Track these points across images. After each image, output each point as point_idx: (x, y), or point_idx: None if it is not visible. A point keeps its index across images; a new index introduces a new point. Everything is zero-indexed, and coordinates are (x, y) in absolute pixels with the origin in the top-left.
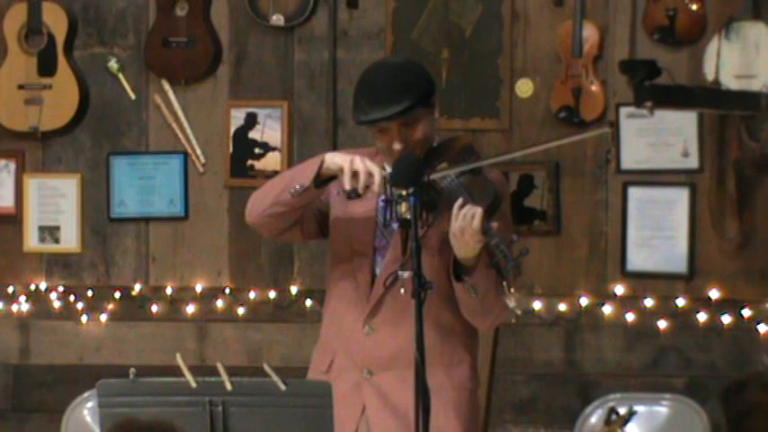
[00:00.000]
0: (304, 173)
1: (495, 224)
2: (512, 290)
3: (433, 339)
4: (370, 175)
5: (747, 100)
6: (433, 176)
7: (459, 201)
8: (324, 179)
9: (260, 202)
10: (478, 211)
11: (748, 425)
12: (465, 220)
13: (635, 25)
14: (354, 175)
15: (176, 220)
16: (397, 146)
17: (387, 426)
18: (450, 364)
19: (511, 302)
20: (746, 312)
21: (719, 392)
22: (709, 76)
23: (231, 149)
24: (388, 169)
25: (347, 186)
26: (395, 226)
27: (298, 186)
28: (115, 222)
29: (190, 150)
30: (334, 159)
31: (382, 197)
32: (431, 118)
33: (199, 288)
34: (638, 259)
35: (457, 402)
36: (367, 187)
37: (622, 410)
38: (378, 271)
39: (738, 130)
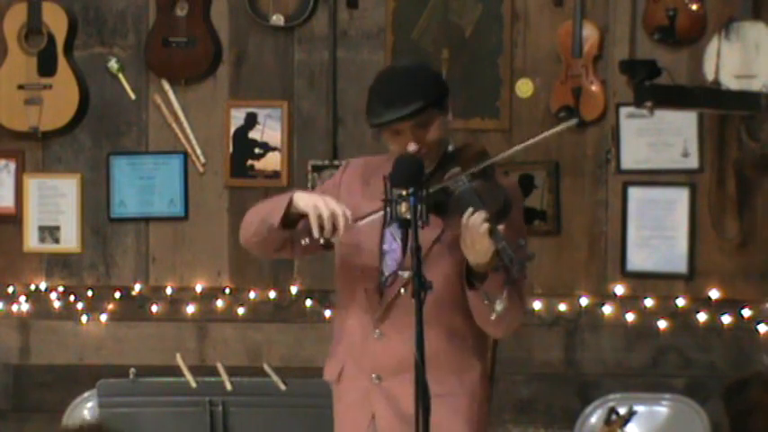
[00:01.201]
0: (276, 209)
1: (501, 227)
2: (505, 296)
3: (444, 345)
4: (334, 217)
5: (747, 100)
6: (444, 181)
7: (469, 210)
8: (294, 218)
9: (246, 229)
10: (485, 216)
11: (750, 423)
12: (473, 226)
13: (635, 25)
14: (319, 219)
15: (176, 220)
16: (411, 147)
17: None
18: (461, 370)
19: (499, 306)
20: (746, 312)
21: (721, 391)
22: (709, 76)
23: (231, 149)
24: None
25: (315, 234)
26: (395, 227)
27: (270, 223)
28: (115, 222)
29: (190, 150)
30: (299, 202)
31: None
32: (444, 120)
33: (199, 288)
34: (638, 259)
35: (467, 410)
36: (334, 230)
37: (622, 410)
38: (387, 274)
39: (738, 130)
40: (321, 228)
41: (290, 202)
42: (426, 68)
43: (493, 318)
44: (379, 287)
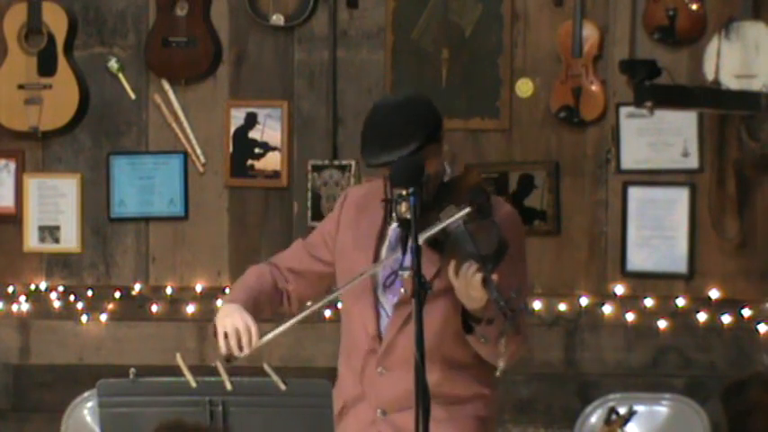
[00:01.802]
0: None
1: (495, 277)
2: (504, 348)
3: (446, 377)
4: (238, 335)
5: (747, 100)
6: (438, 220)
7: (459, 260)
8: None
9: None
10: (477, 270)
11: (749, 424)
12: (466, 279)
13: (635, 25)
14: (225, 337)
15: (176, 219)
16: None
17: None
18: (464, 400)
19: (500, 363)
20: (746, 312)
21: (720, 392)
22: (709, 76)
23: (231, 149)
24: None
25: (221, 350)
26: (395, 225)
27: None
28: (115, 222)
29: (190, 150)
30: (217, 318)
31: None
32: (439, 152)
33: (199, 288)
34: (638, 259)
35: (471, 429)
36: (240, 349)
37: (622, 410)
38: (388, 308)
39: (738, 130)
40: (226, 346)
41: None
42: (418, 101)
43: (498, 374)
44: (378, 329)
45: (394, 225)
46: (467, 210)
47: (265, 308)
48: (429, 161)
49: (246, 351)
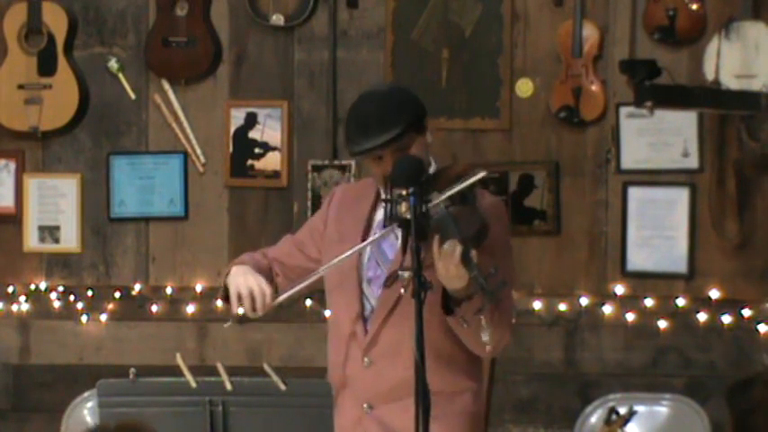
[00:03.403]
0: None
1: (474, 253)
2: (485, 324)
3: (434, 369)
4: (252, 297)
5: (747, 100)
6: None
7: (441, 239)
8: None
9: None
10: (458, 246)
11: (753, 422)
12: (446, 254)
13: (635, 25)
14: (239, 298)
15: (176, 219)
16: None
17: None
18: (453, 392)
19: (485, 336)
20: (746, 312)
21: (725, 391)
22: (709, 76)
23: (231, 149)
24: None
25: (233, 310)
26: (395, 228)
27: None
28: (115, 222)
29: (190, 150)
30: (229, 279)
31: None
32: (423, 142)
33: (199, 288)
34: (638, 259)
35: (460, 428)
36: (254, 310)
37: (622, 410)
38: (373, 302)
39: (738, 130)
40: (239, 306)
41: (227, 277)
42: (401, 91)
43: (487, 349)
44: (363, 316)
45: (379, 219)
46: (449, 193)
47: None
48: (411, 150)
49: (260, 313)
